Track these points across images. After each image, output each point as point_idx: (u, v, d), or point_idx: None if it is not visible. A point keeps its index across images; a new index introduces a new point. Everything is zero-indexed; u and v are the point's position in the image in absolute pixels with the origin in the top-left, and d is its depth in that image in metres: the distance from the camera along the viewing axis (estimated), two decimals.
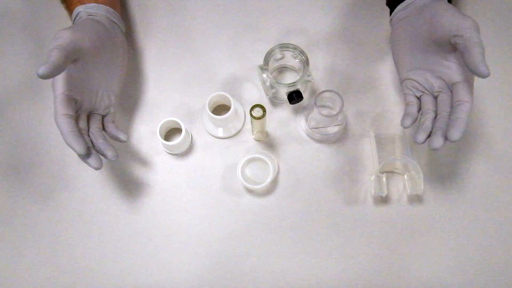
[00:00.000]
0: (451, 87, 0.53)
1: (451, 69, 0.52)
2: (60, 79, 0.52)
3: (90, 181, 0.65)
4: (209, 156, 0.65)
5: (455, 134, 0.49)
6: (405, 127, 0.55)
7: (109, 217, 0.63)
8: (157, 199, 0.64)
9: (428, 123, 0.53)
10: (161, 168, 0.65)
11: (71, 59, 0.51)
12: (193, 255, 0.62)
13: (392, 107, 0.67)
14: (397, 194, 0.63)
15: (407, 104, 0.57)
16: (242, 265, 0.61)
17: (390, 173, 0.64)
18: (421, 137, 0.52)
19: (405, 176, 0.63)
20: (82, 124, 0.55)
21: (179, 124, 0.62)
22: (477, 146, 0.65)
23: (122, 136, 0.58)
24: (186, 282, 0.61)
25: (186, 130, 0.62)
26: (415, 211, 0.63)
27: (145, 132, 0.66)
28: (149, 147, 0.66)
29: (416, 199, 0.63)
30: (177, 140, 0.61)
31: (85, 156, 0.52)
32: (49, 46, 0.49)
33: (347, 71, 0.68)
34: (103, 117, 0.59)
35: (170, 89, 0.68)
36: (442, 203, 0.63)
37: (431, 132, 0.52)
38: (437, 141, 0.50)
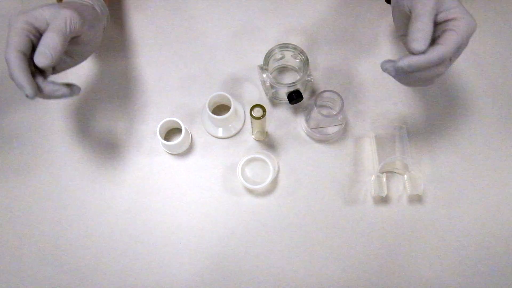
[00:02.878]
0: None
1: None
2: (23, 16, 0.47)
3: (90, 182, 0.65)
4: (209, 156, 0.65)
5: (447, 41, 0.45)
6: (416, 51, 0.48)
7: (109, 217, 0.63)
8: (157, 199, 0.64)
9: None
10: (161, 168, 0.65)
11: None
12: (193, 255, 0.62)
13: (392, 107, 0.67)
14: (397, 194, 0.63)
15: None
16: (242, 265, 0.61)
17: (390, 173, 0.64)
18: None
19: (405, 176, 0.63)
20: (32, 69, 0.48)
21: (179, 124, 0.62)
22: (477, 146, 0.65)
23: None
24: (186, 282, 0.61)
25: (186, 130, 0.62)
26: (415, 211, 0.63)
27: (145, 132, 0.66)
28: (149, 147, 0.66)
29: (416, 199, 0.63)
30: (177, 140, 0.61)
31: (34, 94, 0.46)
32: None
33: (347, 71, 0.68)
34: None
35: (170, 89, 0.68)
36: (442, 203, 0.63)
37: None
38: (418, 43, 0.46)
